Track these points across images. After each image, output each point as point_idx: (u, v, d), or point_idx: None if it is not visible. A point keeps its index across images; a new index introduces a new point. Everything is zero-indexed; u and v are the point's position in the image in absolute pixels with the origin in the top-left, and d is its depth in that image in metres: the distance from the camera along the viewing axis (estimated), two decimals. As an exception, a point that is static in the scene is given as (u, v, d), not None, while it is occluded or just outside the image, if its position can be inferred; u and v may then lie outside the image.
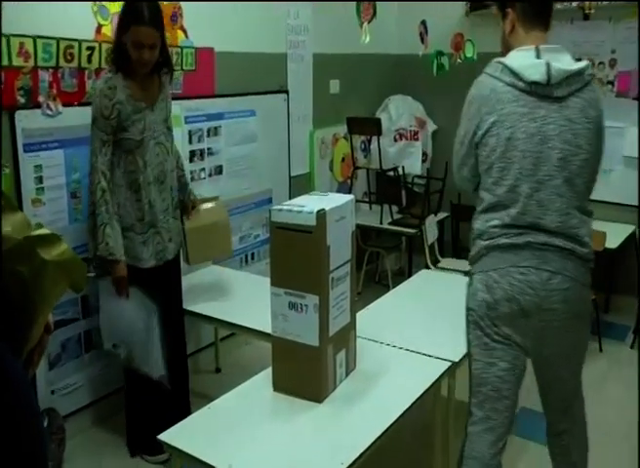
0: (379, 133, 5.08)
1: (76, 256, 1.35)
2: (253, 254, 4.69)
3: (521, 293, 2.27)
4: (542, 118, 2.27)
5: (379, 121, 5.15)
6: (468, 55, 3.87)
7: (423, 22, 4.20)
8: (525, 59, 2.30)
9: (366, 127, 5.27)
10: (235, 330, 3.54)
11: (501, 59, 2.36)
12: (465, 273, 4.62)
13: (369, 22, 3.87)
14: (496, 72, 2.34)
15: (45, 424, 3.12)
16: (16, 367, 1.24)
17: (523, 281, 2.27)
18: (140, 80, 3.13)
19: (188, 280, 3.79)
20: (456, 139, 2.49)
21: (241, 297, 3.63)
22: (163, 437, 2.23)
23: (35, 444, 1.25)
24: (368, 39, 4.07)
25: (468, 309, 2.47)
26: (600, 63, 5.02)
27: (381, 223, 5.23)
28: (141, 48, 3.00)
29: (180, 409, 3.16)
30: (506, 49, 2.46)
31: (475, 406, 2.47)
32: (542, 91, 2.26)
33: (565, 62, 2.29)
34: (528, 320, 2.31)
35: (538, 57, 2.30)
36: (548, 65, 2.24)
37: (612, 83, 5.01)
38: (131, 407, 3.43)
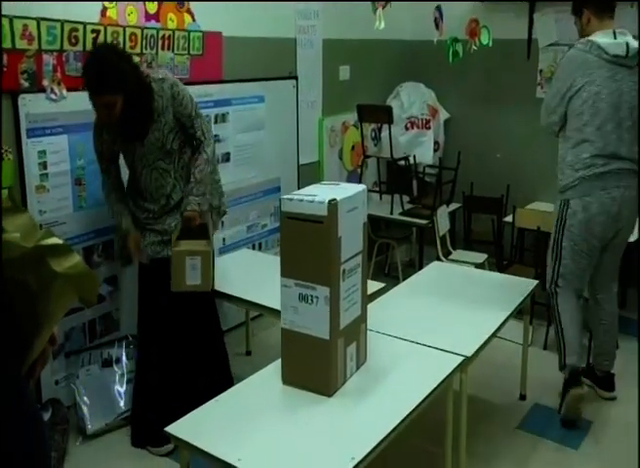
0: (390, 121, 5.00)
1: (89, 270, 1.28)
2: (260, 244, 4.62)
3: (609, 205, 3.40)
4: (621, 79, 3.36)
5: (390, 109, 5.07)
6: (484, 41, 3.78)
7: (438, 8, 4.10)
8: (607, 39, 3.35)
9: (377, 115, 5.19)
10: (264, 311, 3.47)
11: (591, 38, 3.38)
12: (477, 265, 4.58)
13: (383, 8, 3.77)
14: (586, 47, 3.37)
15: (49, 415, 3.08)
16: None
17: (609, 198, 3.39)
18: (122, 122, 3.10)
19: (219, 262, 3.80)
20: (547, 96, 3.55)
21: (270, 279, 3.53)
22: (170, 429, 2.20)
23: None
24: (383, 25, 3.97)
25: (568, 226, 3.51)
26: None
27: (392, 214, 5.15)
28: (97, 109, 3.01)
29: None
30: (585, 35, 3.45)
31: (561, 281, 3.64)
32: (621, 61, 3.35)
33: (632, 41, 3.37)
34: (613, 222, 3.45)
35: (615, 37, 3.36)
36: (627, 44, 3.34)
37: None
38: (139, 397, 3.40)
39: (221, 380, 3.42)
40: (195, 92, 3.86)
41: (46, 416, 3.07)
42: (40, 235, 1.22)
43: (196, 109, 3.21)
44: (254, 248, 4.57)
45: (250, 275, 3.76)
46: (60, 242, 1.22)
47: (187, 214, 3.17)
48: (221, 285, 3.56)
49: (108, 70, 2.90)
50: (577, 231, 3.48)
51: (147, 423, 3.30)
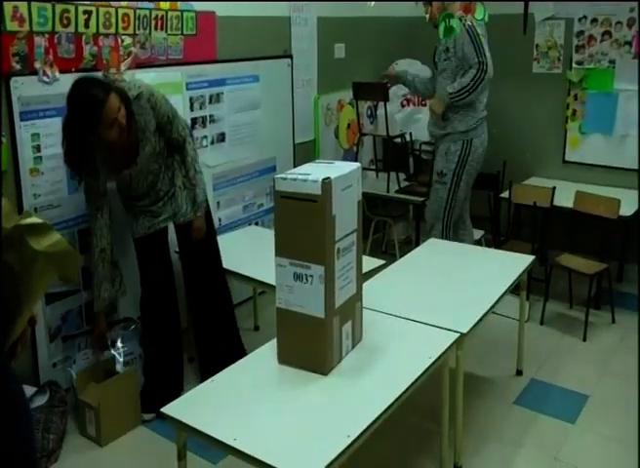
0: (385, 98, 4.97)
1: (69, 247, 1.29)
2: (257, 224, 4.62)
3: (487, 142, 4.42)
4: None
5: (385, 86, 5.03)
6: (479, 17, 3.73)
7: (432, -16, 4.09)
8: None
9: (372, 92, 5.15)
10: (267, 289, 3.41)
11: (468, 16, 3.91)
12: (474, 242, 4.56)
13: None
14: (474, 21, 4.02)
15: (46, 397, 3.10)
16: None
17: (487, 137, 4.42)
18: (112, 160, 3.14)
19: (224, 239, 3.83)
20: (486, 51, 4.19)
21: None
22: (166, 410, 2.22)
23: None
24: (373, 3, 3.95)
25: (469, 161, 4.35)
26: (618, 23, 4.85)
27: (388, 191, 5.14)
28: (114, 124, 2.91)
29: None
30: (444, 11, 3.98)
31: (452, 213, 4.47)
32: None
33: None
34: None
35: None
36: None
37: (629, 43, 4.83)
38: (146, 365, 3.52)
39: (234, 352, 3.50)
40: (189, 72, 3.87)
41: (44, 399, 3.08)
42: (19, 216, 1.22)
43: (172, 111, 3.22)
44: (250, 228, 4.56)
45: (255, 252, 3.74)
46: (38, 221, 1.22)
47: (198, 225, 3.35)
48: (226, 262, 3.59)
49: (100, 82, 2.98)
50: (474, 164, 4.36)
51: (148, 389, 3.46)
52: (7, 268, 1.18)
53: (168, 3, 3.69)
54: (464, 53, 4.24)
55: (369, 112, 5.61)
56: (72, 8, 3.20)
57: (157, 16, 3.64)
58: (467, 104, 4.28)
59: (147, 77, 3.48)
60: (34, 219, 1.22)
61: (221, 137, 4.22)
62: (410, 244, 5.41)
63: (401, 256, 3.74)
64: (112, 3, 3.38)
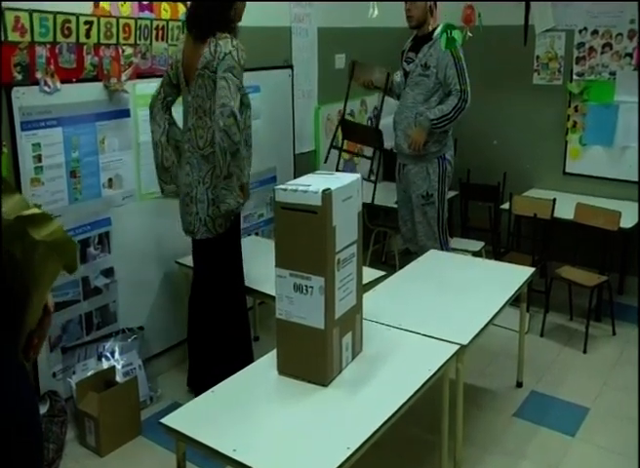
0: (379, 145, 4.74)
1: (67, 236, 1.32)
2: (257, 234, 4.61)
3: None
4: None
5: (379, 132, 4.76)
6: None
7: (433, -6, 4.11)
8: None
9: (364, 136, 4.93)
10: (267, 299, 3.45)
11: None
12: (474, 253, 4.57)
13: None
14: None
15: (46, 407, 3.09)
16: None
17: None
18: None
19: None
20: (467, 77, 4.20)
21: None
22: (166, 421, 2.21)
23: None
24: (376, 13, 3.97)
25: (447, 174, 4.40)
26: (618, 35, 4.87)
27: (388, 202, 5.13)
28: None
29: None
30: (425, 19, 4.28)
31: (446, 228, 4.51)
32: None
33: None
34: None
35: None
36: None
37: (630, 55, 4.84)
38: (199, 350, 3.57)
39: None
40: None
41: (44, 409, 3.08)
42: (22, 207, 1.26)
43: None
44: (250, 238, 4.55)
45: (255, 262, 3.74)
46: (37, 211, 1.27)
47: None
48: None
49: None
50: (451, 176, 4.47)
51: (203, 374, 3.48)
52: (10, 256, 1.23)
53: (169, 13, 3.70)
54: (446, 75, 4.19)
55: (369, 123, 5.61)
56: (73, 18, 3.20)
57: (158, 26, 3.65)
58: (450, 129, 4.33)
59: (148, 87, 3.49)
60: (34, 210, 1.29)
61: (222, 148, 4.21)
62: (410, 255, 5.41)
63: (401, 267, 3.74)
64: (113, 12, 3.39)
